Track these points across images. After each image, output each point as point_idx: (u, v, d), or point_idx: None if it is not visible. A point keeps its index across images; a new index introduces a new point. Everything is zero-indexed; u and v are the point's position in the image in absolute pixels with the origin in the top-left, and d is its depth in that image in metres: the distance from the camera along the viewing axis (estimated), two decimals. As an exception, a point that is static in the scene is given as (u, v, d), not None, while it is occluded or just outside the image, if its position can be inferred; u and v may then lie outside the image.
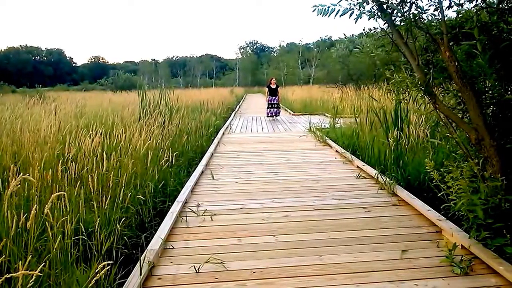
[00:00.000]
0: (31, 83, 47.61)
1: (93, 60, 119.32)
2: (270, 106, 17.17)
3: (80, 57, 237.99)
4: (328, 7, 3.85)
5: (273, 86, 17.06)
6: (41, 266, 2.56)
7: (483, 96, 3.85)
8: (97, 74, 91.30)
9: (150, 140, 6.80)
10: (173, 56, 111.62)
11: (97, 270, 2.67)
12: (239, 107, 26.25)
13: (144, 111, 10.68)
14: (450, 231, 3.90)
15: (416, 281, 3.14)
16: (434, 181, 4.16)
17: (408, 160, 6.41)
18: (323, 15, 3.88)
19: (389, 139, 6.92)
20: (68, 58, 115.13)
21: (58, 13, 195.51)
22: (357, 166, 7.31)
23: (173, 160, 6.59)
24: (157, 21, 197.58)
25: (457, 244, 3.61)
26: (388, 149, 6.93)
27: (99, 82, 63.19)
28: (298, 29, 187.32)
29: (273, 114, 17.25)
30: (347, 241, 3.97)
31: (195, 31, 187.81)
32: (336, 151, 9.00)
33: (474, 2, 3.84)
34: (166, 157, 6.35)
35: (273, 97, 17.03)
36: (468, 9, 3.91)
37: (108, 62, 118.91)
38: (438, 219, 4.25)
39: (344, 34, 25.55)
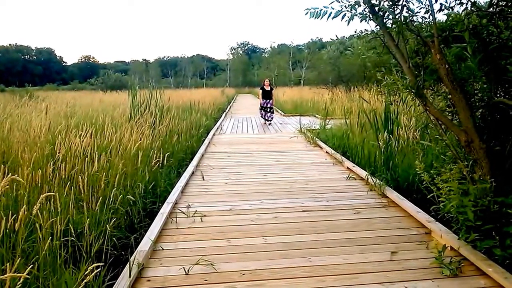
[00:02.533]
0: (20, 82, 47.24)
1: (83, 59, 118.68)
2: (262, 109, 15.82)
3: (70, 57, 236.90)
4: (320, 10, 3.86)
5: (267, 88, 15.68)
6: (29, 268, 2.52)
7: (473, 99, 3.88)
8: (87, 73, 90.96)
9: (140, 140, 6.76)
10: (164, 56, 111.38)
11: (86, 272, 2.64)
12: (230, 108, 26.21)
13: (135, 111, 10.62)
14: (439, 232, 3.93)
15: (405, 282, 3.15)
16: (424, 183, 4.18)
17: (397, 162, 6.44)
18: (315, 18, 3.89)
19: (379, 141, 6.95)
20: (58, 57, 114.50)
21: (48, 12, 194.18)
22: (347, 168, 7.33)
23: (164, 161, 6.56)
24: (148, 21, 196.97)
25: (446, 246, 3.63)
26: (378, 150, 6.96)
27: (89, 81, 62.78)
28: (289, 30, 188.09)
29: (267, 118, 15.79)
30: (336, 242, 3.97)
31: (186, 32, 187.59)
32: (326, 152, 9.01)
33: (464, 5, 3.87)
34: (156, 158, 6.32)
35: (267, 100, 15.62)
36: (459, 12, 3.94)
37: (98, 61, 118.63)
38: (428, 221, 4.27)
39: (336, 36, 25.61)
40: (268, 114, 15.84)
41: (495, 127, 3.85)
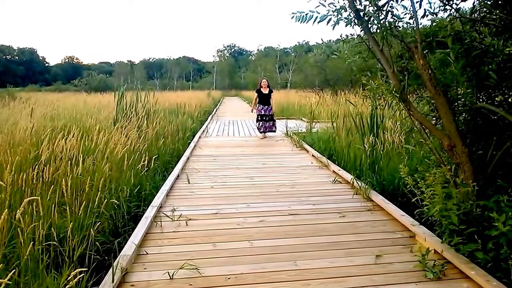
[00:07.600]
0: (1, 83, 46.58)
1: (66, 60, 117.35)
2: (260, 118, 12.27)
3: (53, 57, 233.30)
4: (306, 14, 3.88)
5: (265, 91, 12.14)
6: (10, 274, 2.48)
7: (456, 104, 3.93)
8: (70, 74, 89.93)
9: (126, 143, 6.70)
10: (150, 58, 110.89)
11: (68, 278, 2.60)
12: (216, 111, 26.13)
13: (121, 113, 10.52)
14: (423, 236, 3.97)
15: (390, 286, 3.17)
16: (408, 187, 4.22)
17: (383, 166, 6.49)
18: (301, 21, 3.91)
19: (365, 144, 7.00)
20: (40, 58, 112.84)
21: (30, 12, 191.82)
22: (333, 171, 7.36)
23: (150, 164, 6.51)
24: (133, 21, 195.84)
25: (430, 249, 3.66)
26: (363, 154, 7.01)
27: (72, 83, 62.06)
28: (276, 33, 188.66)
29: (266, 130, 12.32)
30: (322, 246, 3.98)
31: (172, 33, 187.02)
32: (313, 155, 9.05)
33: (448, 12, 3.92)
34: (142, 161, 6.26)
35: (265, 107, 12.14)
36: (442, 18, 4.00)
37: (82, 62, 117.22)
38: (412, 224, 4.31)
39: (322, 40, 25.78)
40: (271, 123, 12.31)
41: (478, 131, 3.91)
